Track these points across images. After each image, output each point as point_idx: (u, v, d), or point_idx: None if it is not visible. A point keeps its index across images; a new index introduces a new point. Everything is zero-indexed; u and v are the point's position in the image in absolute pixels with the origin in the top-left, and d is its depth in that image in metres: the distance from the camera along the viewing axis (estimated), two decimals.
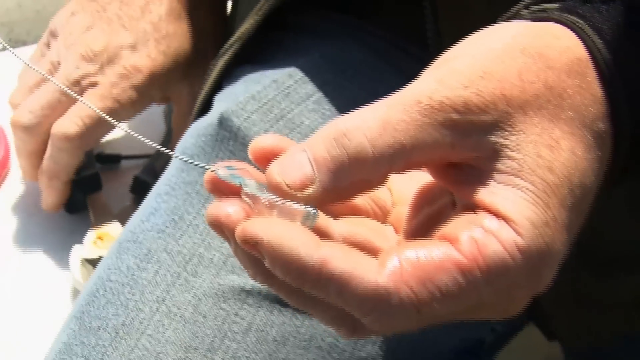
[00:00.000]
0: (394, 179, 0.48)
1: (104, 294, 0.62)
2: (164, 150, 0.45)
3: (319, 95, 0.69)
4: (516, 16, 0.47)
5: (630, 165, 0.46)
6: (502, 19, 0.47)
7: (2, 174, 0.95)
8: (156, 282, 0.62)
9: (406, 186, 0.48)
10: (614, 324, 0.70)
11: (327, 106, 0.68)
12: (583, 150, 0.42)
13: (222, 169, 0.42)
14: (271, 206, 0.41)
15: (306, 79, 0.70)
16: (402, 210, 0.47)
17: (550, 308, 0.68)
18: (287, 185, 0.40)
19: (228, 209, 0.41)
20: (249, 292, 0.61)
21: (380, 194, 0.48)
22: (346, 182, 0.40)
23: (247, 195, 0.41)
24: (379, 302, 0.39)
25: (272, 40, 0.74)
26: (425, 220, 0.45)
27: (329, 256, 0.39)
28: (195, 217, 0.64)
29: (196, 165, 0.45)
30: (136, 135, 0.45)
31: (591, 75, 0.43)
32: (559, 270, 0.67)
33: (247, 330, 0.60)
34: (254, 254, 0.40)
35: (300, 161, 0.40)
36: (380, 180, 0.41)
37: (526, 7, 0.47)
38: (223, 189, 0.43)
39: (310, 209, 0.40)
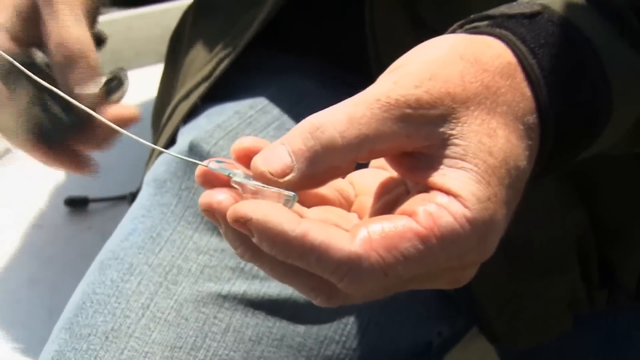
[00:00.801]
0: (356, 174, 0.55)
1: (90, 305, 0.68)
2: (166, 151, 0.52)
3: (278, 122, 0.76)
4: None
5: (556, 164, 0.54)
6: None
7: None
8: (140, 291, 0.67)
9: (366, 180, 0.54)
10: (549, 323, 0.78)
11: (286, 132, 0.75)
12: (516, 138, 0.49)
13: (212, 163, 0.49)
14: (256, 192, 0.47)
15: (266, 109, 0.77)
16: (364, 200, 0.54)
17: (492, 310, 0.76)
18: (270, 173, 0.46)
19: (219, 196, 0.47)
20: (225, 297, 0.67)
21: (345, 186, 0.55)
22: (320, 169, 0.46)
23: (236, 182, 0.48)
24: (352, 266, 0.45)
25: (228, 79, 0.82)
26: (385, 205, 0.51)
27: (308, 229, 0.45)
28: (172, 233, 0.71)
29: (190, 161, 0.51)
30: (131, 135, 0.51)
31: (519, 77, 0.50)
32: (497, 273, 0.75)
33: (225, 331, 0.66)
34: (242, 234, 0.46)
35: (280, 153, 0.47)
36: (349, 167, 0.48)
37: (461, 26, 0.54)
38: (213, 181, 0.49)
39: (290, 192, 0.47)
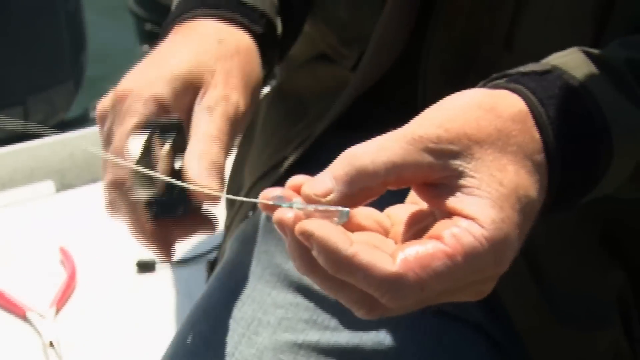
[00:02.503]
0: (392, 208, 0.63)
1: (183, 354, 0.78)
2: (248, 200, 0.62)
3: None
4: None
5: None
6: None
7: (68, 293, 1.13)
8: (226, 341, 0.77)
9: (400, 213, 0.63)
10: None
11: None
12: (525, 173, 0.57)
13: (277, 199, 0.57)
14: (315, 211, 0.56)
15: None
16: (398, 229, 0.62)
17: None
18: (315, 195, 0.56)
19: (288, 214, 0.56)
20: (300, 346, 0.76)
21: (382, 218, 0.63)
22: (355, 189, 0.56)
23: (297, 208, 0.57)
24: (393, 283, 0.53)
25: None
26: (416, 233, 0.60)
27: (358, 250, 0.54)
28: (252, 291, 0.80)
29: (250, 201, 0.61)
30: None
31: (530, 122, 0.59)
32: (547, 328, 0.82)
33: None
34: (303, 249, 0.55)
35: (323, 178, 0.56)
36: (380, 190, 0.56)
37: (483, 85, 0.64)
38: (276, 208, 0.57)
39: (344, 208, 0.56)
